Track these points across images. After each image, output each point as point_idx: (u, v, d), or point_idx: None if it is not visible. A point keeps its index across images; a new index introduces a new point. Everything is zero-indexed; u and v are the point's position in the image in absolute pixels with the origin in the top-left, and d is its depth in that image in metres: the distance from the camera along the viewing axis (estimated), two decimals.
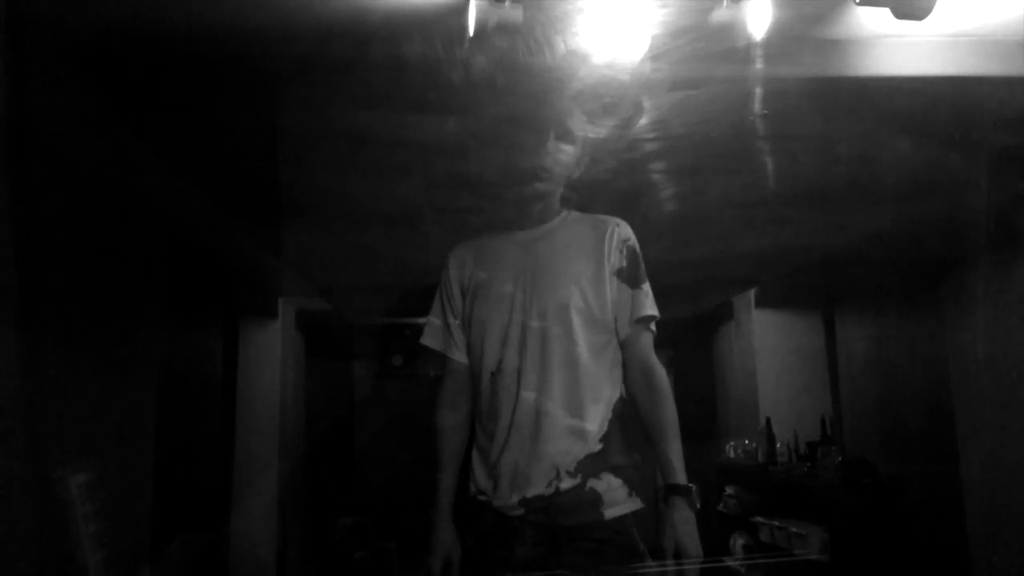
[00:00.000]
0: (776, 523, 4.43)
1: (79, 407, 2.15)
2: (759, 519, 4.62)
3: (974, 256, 2.80)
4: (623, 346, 2.09)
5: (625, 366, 2.10)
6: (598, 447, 2.01)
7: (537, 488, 1.99)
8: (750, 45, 1.91)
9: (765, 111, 2.34)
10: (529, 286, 2.05)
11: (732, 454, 5.28)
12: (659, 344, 2.13)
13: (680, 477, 2.00)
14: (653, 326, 2.11)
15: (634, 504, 2.03)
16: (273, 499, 4.68)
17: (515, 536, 2.01)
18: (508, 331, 2.06)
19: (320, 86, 2.15)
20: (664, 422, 2.04)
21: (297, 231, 3.46)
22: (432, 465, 2.18)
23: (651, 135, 2.44)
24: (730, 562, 4.47)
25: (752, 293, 5.21)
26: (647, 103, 2.25)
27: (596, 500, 1.98)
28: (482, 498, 2.07)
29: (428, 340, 2.23)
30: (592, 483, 1.99)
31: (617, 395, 2.07)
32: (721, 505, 5.11)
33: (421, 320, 2.27)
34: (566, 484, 1.98)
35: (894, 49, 2.06)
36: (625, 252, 2.08)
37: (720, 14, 1.80)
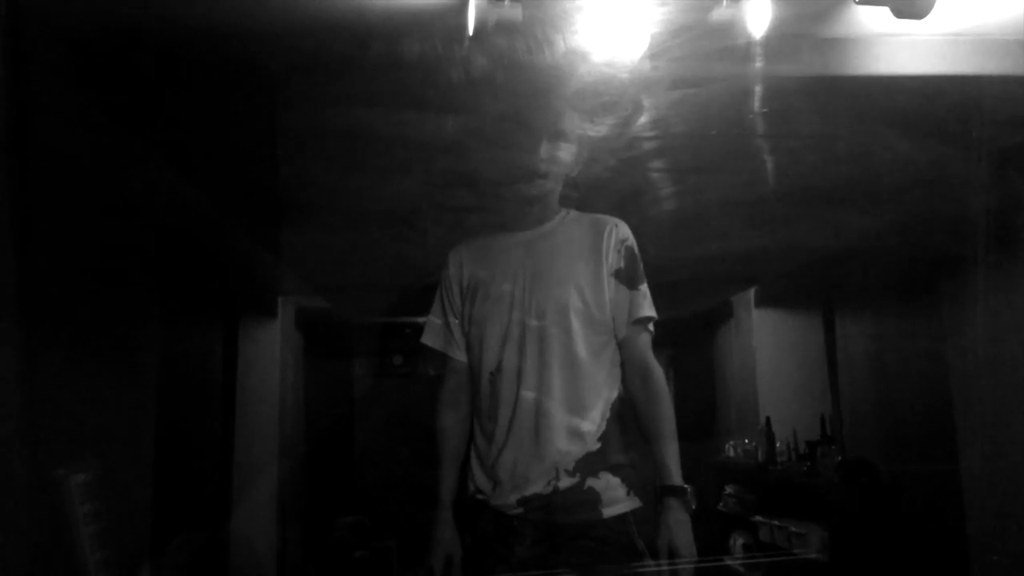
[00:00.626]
0: (776, 522, 4.43)
1: (78, 407, 2.14)
2: (759, 518, 4.62)
3: (973, 255, 2.80)
4: (621, 346, 2.09)
5: (623, 366, 2.10)
6: (596, 446, 2.01)
7: (536, 487, 1.99)
8: (750, 43, 1.91)
9: (764, 109, 2.34)
10: (528, 286, 2.05)
11: (732, 453, 5.27)
12: (658, 343, 2.13)
13: (675, 478, 2.00)
14: (651, 327, 2.11)
15: (632, 503, 2.03)
16: (273, 498, 4.68)
17: (514, 535, 2.01)
18: (508, 331, 2.06)
19: (319, 84, 2.15)
20: (660, 422, 2.04)
21: (296, 230, 3.46)
22: (432, 464, 2.19)
23: (650, 134, 2.44)
24: (730, 561, 4.47)
25: (752, 292, 5.21)
26: (646, 102, 2.25)
27: (595, 499, 1.99)
28: (481, 497, 2.07)
29: (428, 339, 2.24)
30: (591, 482, 1.99)
31: (615, 395, 2.07)
32: (721, 504, 5.11)
33: (421, 319, 2.27)
34: (565, 483, 1.99)
35: (893, 48, 2.05)
36: (623, 252, 2.08)
37: (720, 12, 1.80)
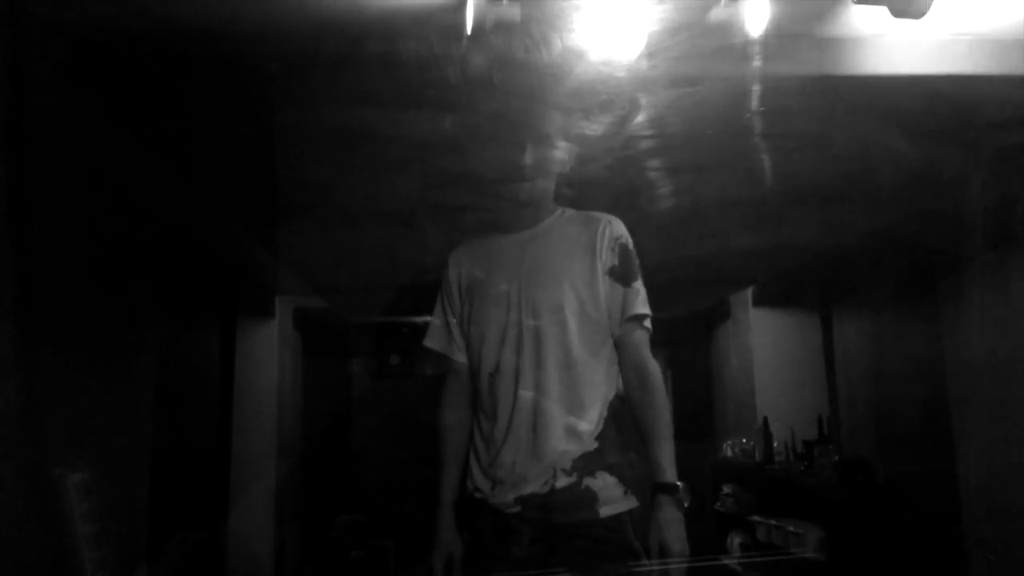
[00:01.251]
0: (773, 522, 4.43)
1: (76, 406, 2.14)
2: (756, 518, 4.62)
3: (971, 255, 2.81)
4: (617, 344, 2.09)
5: (620, 364, 2.10)
6: (594, 445, 2.01)
7: (533, 486, 1.99)
8: (747, 43, 1.91)
9: (762, 109, 2.34)
10: (524, 286, 2.06)
11: (729, 453, 5.28)
12: (656, 343, 2.12)
13: (668, 476, 2.00)
14: (648, 324, 2.11)
15: (629, 503, 2.03)
16: (270, 497, 4.68)
17: (511, 534, 2.01)
18: (505, 331, 2.06)
19: (316, 83, 2.15)
20: (655, 420, 2.04)
21: (294, 229, 3.46)
22: (434, 464, 2.19)
23: (648, 132, 2.45)
24: (727, 561, 4.47)
25: (749, 292, 5.22)
26: (644, 100, 2.25)
27: (592, 498, 1.99)
28: (479, 496, 2.07)
29: (431, 342, 2.25)
30: (588, 481, 1.99)
31: (613, 394, 2.07)
32: (718, 504, 5.12)
33: (418, 319, 2.28)
34: (562, 482, 1.98)
35: (891, 48, 2.06)
36: (617, 250, 2.08)
37: (717, 12, 1.80)
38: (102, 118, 2.20)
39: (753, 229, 3.65)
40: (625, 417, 2.08)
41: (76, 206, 2.16)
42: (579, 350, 2.04)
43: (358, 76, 2.09)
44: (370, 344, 5.68)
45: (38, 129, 1.82)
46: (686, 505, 2.00)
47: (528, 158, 2.03)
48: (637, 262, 2.11)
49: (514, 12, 1.77)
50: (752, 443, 4.99)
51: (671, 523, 1.97)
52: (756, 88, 2.22)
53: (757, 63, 2.02)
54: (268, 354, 4.81)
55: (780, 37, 1.94)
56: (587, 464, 2.00)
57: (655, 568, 1.97)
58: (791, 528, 4.27)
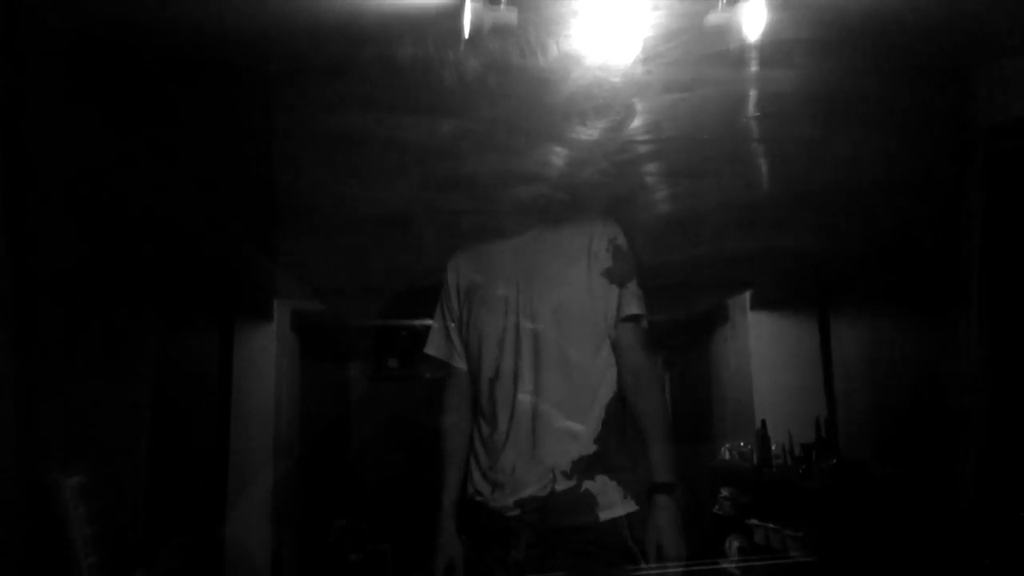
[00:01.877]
0: (771, 525, 4.43)
1: (73, 410, 2.14)
2: (754, 521, 4.62)
3: (968, 258, 2.81)
4: (614, 345, 2.10)
5: (617, 365, 2.11)
6: (593, 448, 2.01)
7: (533, 489, 2.00)
8: (743, 47, 1.91)
9: (758, 113, 2.35)
10: (522, 290, 2.06)
11: (727, 456, 5.27)
12: (654, 346, 2.13)
13: (664, 475, 2.00)
14: (644, 324, 2.11)
15: (628, 507, 2.03)
16: (268, 501, 4.67)
17: (511, 536, 2.02)
18: (504, 335, 2.07)
19: (314, 88, 2.15)
20: (652, 420, 2.05)
21: (292, 233, 3.46)
22: (431, 467, 2.20)
23: (644, 137, 2.45)
24: (725, 564, 4.47)
25: (747, 295, 5.21)
26: (640, 105, 2.26)
27: (591, 502, 1.99)
28: (479, 499, 2.08)
29: (431, 349, 2.26)
30: (587, 485, 2.00)
31: (611, 396, 2.07)
32: (716, 507, 5.11)
33: (416, 322, 2.29)
34: (561, 485, 1.99)
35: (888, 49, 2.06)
36: (612, 251, 2.09)
37: (713, 17, 1.81)
38: (101, 121, 2.20)
39: (750, 232, 3.66)
40: (624, 418, 2.08)
41: (75, 209, 2.16)
42: (577, 353, 2.04)
43: (356, 80, 2.09)
44: (368, 347, 5.67)
45: (38, 132, 1.82)
46: (681, 503, 2.00)
47: (525, 163, 2.04)
48: (633, 263, 2.11)
49: (511, 17, 1.77)
50: (750, 446, 4.99)
51: (667, 523, 1.97)
52: (752, 93, 2.23)
53: (753, 68, 2.02)
54: (266, 357, 4.80)
55: (776, 41, 1.94)
56: (586, 467, 2.01)
57: (653, 572, 1.97)
58: (789, 531, 4.27)
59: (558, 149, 2.07)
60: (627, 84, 2.08)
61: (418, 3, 1.77)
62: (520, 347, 2.05)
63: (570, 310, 2.05)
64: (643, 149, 2.55)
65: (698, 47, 1.92)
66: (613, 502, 2.02)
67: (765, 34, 1.88)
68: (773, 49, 1.96)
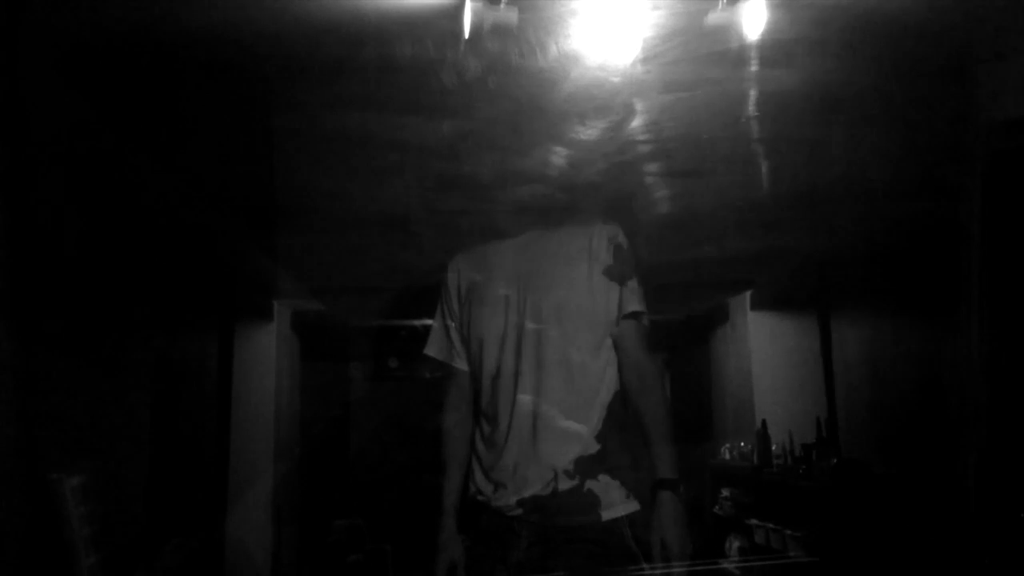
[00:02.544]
0: (771, 525, 4.43)
1: (74, 410, 2.14)
2: (754, 521, 4.62)
3: (968, 257, 2.80)
4: (615, 343, 2.10)
5: (618, 363, 2.10)
6: (595, 448, 2.01)
7: (534, 488, 1.99)
8: (743, 47, 1.91)
9: (757, 113, 2.35)
10: (523, 290, 2.06)
11: (728, 456, 5.27)
12: (654, 346, 2.13)
13: (667, 471, 1.99)
14: (645, 321, 2.11)
15: (631, 506, 2.03)
16: (268, 501, 4.68)
17: (513, 536, 2.01)
18: (504, 334, 2.07)
19: (314, 88, 2.16)
20: (654, 416, 2.04)
21: (292, 233, 3.46)
22: (431, 467, 2.20)
23: (644, 137, 2.45)
24: (725, 564, 4.47)
25: (747, 295, 5.22)
26: (639, 105, 2.26)
27: (594, 501, 1.99)
28: (481, 498, 2.08)
29: (432, 350, 2.26)
30: (590, 484, 1.99)
31: (613, 394, 2.07)
32: (716, 507, 5.11)
33: (416, 322, 2.29)
34: (564, 485, 1.99)
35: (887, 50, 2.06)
36: (612, 249, 2.09)
37: (713, 16, 1.81)
38: (101, 122, 2.21)
39: (750, 233, 3.66)
40: (625, 417, 2.08)
41: (75, 209, 2.17)
42: (578, 352, 2.04)
43: (356, 81, 2.09)
44: (368, 347, 5.67)
45: (37, 132, 1.82)
46: (683, 499, 2.00)
47: (524, 163, 2.04)
48: (633, 261, 2.11)
49: (511, 17, 1.77)
50: (750, 446, 4.99)
51: (672, 519, 1.97)
52: (752, 92, 2.23)
53: (753, 67, 2.02)
54: (266, 357, 4.81)
55: (776, 41, 1.94)
56: (589, 466, 2.00)
57: (655, 572, 1.97)
58: (789, 531, 4.27)
59: (558, 149, 2.07)
60: (627, 84, 2.08)
61: (418, 3, 1.77)
62: (521, 347, 2.05)
63: (571, 309, 2.05)
64: (643, 149, 2.55)
65: (698, 47, 1.92)
66: (615, 502, 2.01)
67: (765, 34, 1.87)
68: (773, 49, 1.96)
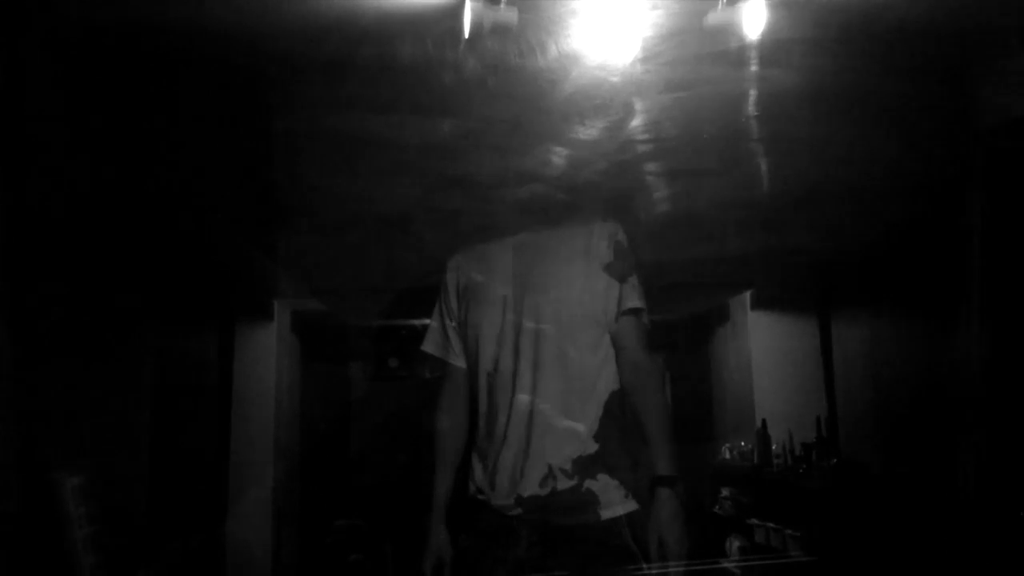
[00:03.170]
0: (771, 525, 4.43)
1: (74, 410, 2.15)
2: (754, 521, 4.62)
3: (968, 258, 2.81)
4: (614, 340, 2.10)
5: (617, 359, 2.10)
6: (594, 447, 2.01)
7: (533, 487, 1.99)
8: (742, 47, 1.91)
9: (757, 113, 2.35)
10: (521, 287, 2.07)
11: (728, 456, 5.28)
12: (654, 346, 2.13)
13: (665, 468, 1.99)
14: (644, 319, 2.11)
15: (629, 506, 2.03)
16: (268, 501, 4.67)
17: (512, 535, 2.02)
18: (502, 333, 2.08)
19: (313, 87, 2.15)
20: (653, 413, 2.04)
21: (292, 233, 3.46)
22: (428, 467, 2.20)
23: (643, 137, 2.45)
24: (726, 564, 4.47)
25: (747, 295, 5.22)
26: (639, 105, 2.26)
27: (592, 501, 1.99)
28: (481, 497, 2.08)
29: (429, 347, 2.26)
30: (589, 484, 1.99)
31: (609, 393, 2.07)
32: (717, 507, 5.11)
33: (416, 322, 2.29)
34: (563, 484, 1.99)
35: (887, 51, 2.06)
36: (612, 247, 2.09)
37: (712, 16, 1.81)
38: (100, 121, 2.21)
39: (750, 232, 3.66)
40: (624, 416, 2.08)
41: (73, 209, 2.16)
42: (576, 350, 2.04)
43: (355, 80, 2.09)
44: (368, 347, 5.66)
45: (36, 132, 1.82)
46: (683, 497, 1.99)
47: (523, 162, 2.05)
48: (632, 259, 2.11)
49: (511, 17, 1.77)
50: (750, 446, 4.99)
51: (670, 517, 1.96)
52: (752, 92, 2.23)
53: (752, 67, 2.02)
54: (266, 357, 4.80)
55: (776, 41, 1.94)
56: (588, 466, 2.00)
57: (654, 572, 1.96)
58: (789, 531, 4.27)
59: (558, 149, 2.07)
60: (626, 84, 2.08)
61: (418, 3, 1.77)
62: (519, 345, 2.05)
63: (569, 308, 2.05)
64: (642, 149, 2.55)
65: (697, 46, 1.92)
66: (614, 501, 2.01)
67: (765, 34, 1.87)
68: (773, 49, 1.96)
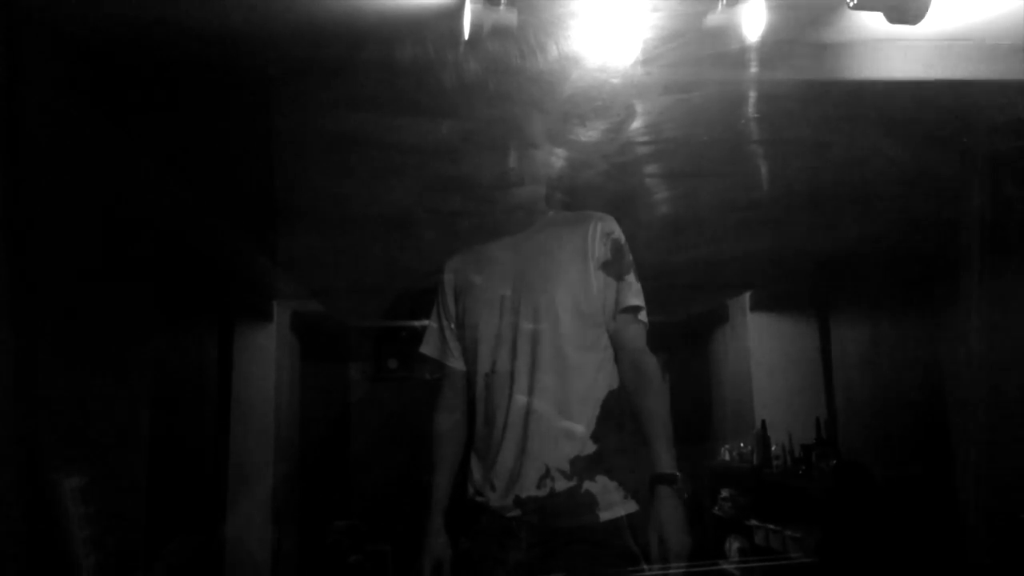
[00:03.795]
0: (771, 526, 4.44)
1: (73, 410, 2.14)
2: (754, 522, 4.62)
3: (968, 259, 2.81)
4: (612, 339, 2.09)
5: (616, 359, 2.10)
6: (592, 448, 2.01)
7: (530, 488, 1.99)
8: (742, 49, 1.91)
9: (757, 115, 2.35)
10: (519, 288, 2.06)
11: (727, 457, 5.28)
12: (654, 347, 2.12)
13: (666, 466, 1.98)
14: (643, 317, 2.10)
15: (629, 507, 2.02)
16: (268, 502, 4.67)
17: (511, 537, 2.01)
18: (500, 333, 2.07)
19: (313, 89, 2.16)
20: (652, 411, 2.03)
21: (291, 234, 3.46)
22: (427, 469, 2.19)
23: (644, 138, 2.45)
24: (725, 565, 4.47)
25: (747, 296, 5.22)
26: (639, 107, 2.26)
27: (591, 502, 1.98)
28: (480, 499, 2.08)
29: (427, 349, 2.26)
30: (587, 485, 1.99)
31: (608, 392, 2.06)
32: (716, 508, 5.12)
33: (416, 323, 2.29)
34: (561, 486, 1.98)
35: (887, 53, 2.06)
36: (609, 245, 2.08)
37: (713, 18, 1.80)
38: (100, 122, 2.20)
39: (750, 234, 3.66)
40: (623, 416, 2.08)
41: (74, 210, 2.16)
42: (574, 350, 2.04)
43: (355, 81, 2.09)
44: (368, 348, 5.67)
45: (36, 133, 1.82)
46: (686, 496, 1.97)
47: (521, 163, 2.04)
48: (630, 257, 2.10)
49: (511, 18, 1.77)
50: (750, 447, 5.00)
51: (671, 515, 1.94)
52: (752, 94, 2.23)
53: (753, 69, 2.02)
54: (266, 358, 4.80)
55: (776, 43, 1.94)
56: (587, 467, 2.00)
57: (655, 573, 1.96)
58: (789, 532, 4.27)
59: (558, 150, 2.07)
60: (627, 85, 2.08)
61: (418, 4, 1.77)
62: (517, 346, 2.05)
63: (568, 309, 2.05)
64: (643, 150, 2.55)
65: (698, 48, 1.91)
66: (614, 502, 2.01)
67: (765, 34, 1.87)
68: (773, 49, 1.96)
